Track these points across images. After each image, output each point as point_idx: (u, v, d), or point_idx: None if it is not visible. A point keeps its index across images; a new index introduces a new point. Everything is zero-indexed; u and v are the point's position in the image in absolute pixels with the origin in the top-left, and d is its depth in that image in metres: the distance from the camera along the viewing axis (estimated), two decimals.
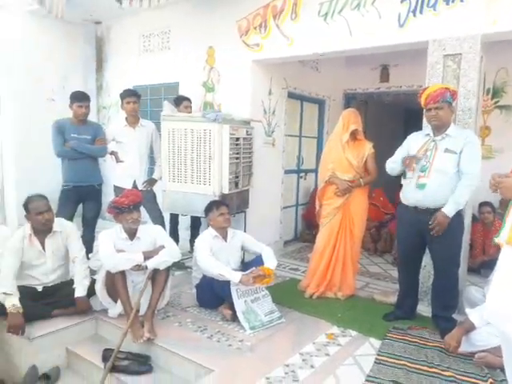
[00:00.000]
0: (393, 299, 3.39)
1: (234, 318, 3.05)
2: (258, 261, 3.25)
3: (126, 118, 4.10)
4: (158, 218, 4.16)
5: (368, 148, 3.58)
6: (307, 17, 3.81)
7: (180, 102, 4.31)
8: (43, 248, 3.06)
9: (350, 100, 6.14)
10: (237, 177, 3.97)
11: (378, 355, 2.67)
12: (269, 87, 4.67)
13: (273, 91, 4.73)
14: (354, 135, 3.56)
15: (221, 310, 3.17)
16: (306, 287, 3.71)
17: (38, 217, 2.96)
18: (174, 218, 4.57)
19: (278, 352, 2.77)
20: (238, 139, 3.89)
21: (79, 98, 3.92)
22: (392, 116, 7.74)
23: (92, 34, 5.66)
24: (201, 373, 2.58)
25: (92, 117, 5.39)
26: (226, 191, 3.81)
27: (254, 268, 3.10)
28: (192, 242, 4.74)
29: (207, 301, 3.28)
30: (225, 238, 3.33)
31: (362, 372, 2.50)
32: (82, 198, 4.00)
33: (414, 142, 2.97)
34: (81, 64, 5.54)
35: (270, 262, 3.20)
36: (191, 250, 4.72)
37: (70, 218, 3.66)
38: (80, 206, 4.05)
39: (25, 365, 2.87)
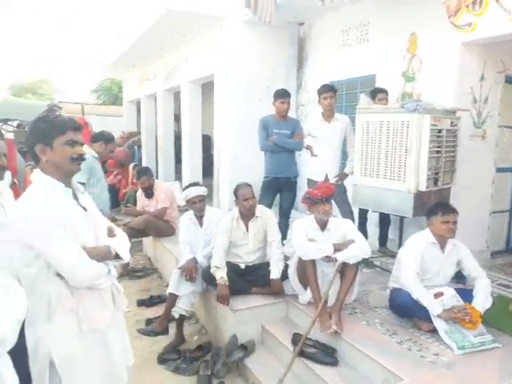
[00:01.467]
0: None
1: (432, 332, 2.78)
2: (467, 294, 2.84)
3: (322, 113, 4.20)
4: (347, 213, 4.14)
5: None
6: None
7: (375, 94, 4.18)
8: (247, 230, 3.43)
9: None
10: (437, 173, 3.59)
11: None
12: (481, 72, 4.06)
13: (485, 76, 4.09)
14: None
15: (416, 322, 2.93)
16: None
17: (244, 202, 3.32)
18: (363, 214, 4.47)
19: (480, 377, 2.39)
20: (440, 131, 3.51)
21: (282, 94, 4.23)
22: None
23: (295, 35, 6.01)
24: (389, 378, 2.44)
25: (291, 114, 5.76)
26: (422, 188, 3.49)
27: (458, 301, 2.74)
28: (381, 239, 4.58)
29: (402, 310, 3.02)
30: (443, 247, 2.98)
31: None
32: (280, 189, 4.30)
33: None
34: (284, 65, 5.97)
35: (481, 301, 2.74)
36: (380, 249, 4.56)
37: (269, 207, 3.97)
38: (277, 197, 4.37)
39: (228, 332, 3.28)
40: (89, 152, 3.99)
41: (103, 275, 1.71)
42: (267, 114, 4.37)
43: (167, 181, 8.49)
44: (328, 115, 4.16)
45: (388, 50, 4.53)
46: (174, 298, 3.41)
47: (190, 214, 3.72)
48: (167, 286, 4.12)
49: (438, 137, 3.50)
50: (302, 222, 3.21)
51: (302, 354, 2.79)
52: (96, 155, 3.98)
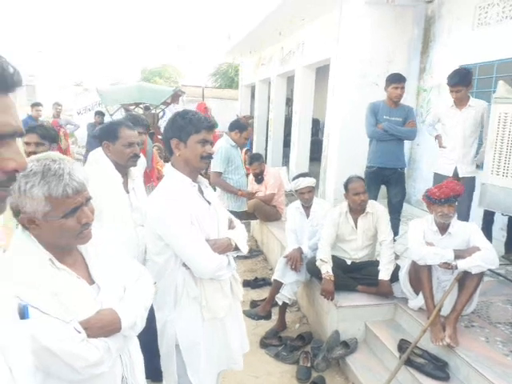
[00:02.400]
0: None
1: None
2: None
3: (454, 100, 3.76)
4: (463, 214, 3.72)
5: None
6: None
7: None
8: (356, 226, 3.30)
9: None
10: None
11: None
12: None
13: None
14: None
15: None
16: None
17: (355, 197, 3.18)
18: (489, 216, 3.98)
19: None
20: None
21: (396, 79, 3.91)
22: None
23: (421, 14, 5.46)
24: None
25: (411, 100, 5.33)
26: None
27: None
28: (508, 245, 4.05)
29: None
30: None
31: None
32: (385, 181, 4.03)
33: None
34: (406, 47, 5.48)
35: None
36: (506, 255, 4.03)
37: (374, 200, 3.75)
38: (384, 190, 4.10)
39: (330, 327, 3.24)
40: (226, 141, 4.25)
41: (224, 267, 1.79)
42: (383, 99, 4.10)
43: (275, 165, 8.65)
44: (459, 103, 3.70)
45: None
46: (278, 284, 3.47)
47: (298, 203, 3.71)
48: (271, 269, 4.21)
49: None
50: (420, 222, 2.96)
51: (408, 362, 2.63)
52: (233, 143, 4.22)
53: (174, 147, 1.79)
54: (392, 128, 3.87)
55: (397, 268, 3.19)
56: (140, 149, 2.42)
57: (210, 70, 22.97)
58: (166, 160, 6.16)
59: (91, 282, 1.26)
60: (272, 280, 3.62)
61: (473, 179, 3.77)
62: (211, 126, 1.81)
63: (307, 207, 3.65)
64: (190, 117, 1.76)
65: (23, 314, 0.79)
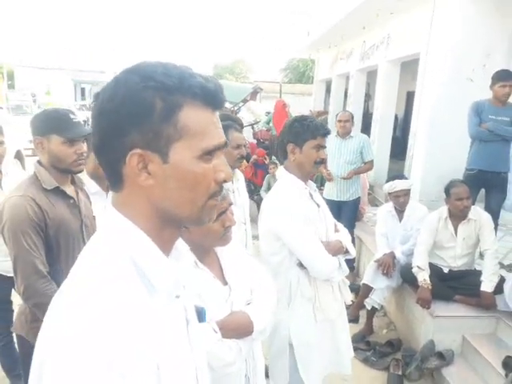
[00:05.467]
0: None
1: None
2: None
3: None
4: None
5: None
6: None
7: None
8: (455, 233, 3.12)
9: None
10: None
11: None
12: None
13: None
14: None
15: None
16: None
17: (458, 202, 3.01)
18: None
19: None
20: None
21: (504, 77, 3.61)
22: None
23: None
24: None
25: None
26: None
27: None
28: None
29: None
30: None
31: None
32: (485, 185, 3.77)
33: None
34: (506, 38, 5.02)
35: None
36: None
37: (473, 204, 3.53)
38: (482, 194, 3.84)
39: (423, 336, 3.12)
40: None
41: (337, 269, 1.81)
42: (477, 96, 3.83)
43: None
44: None
45: None
46: (368, 289, 3.40)
47: (389, 205, 3.59)
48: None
49: None
50: None
51: None
52: None
53: (289, 151, 1.85)
54: (499, 128, 3.60)
55: (501, 279, 2.98)
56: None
57: (280, 65, 23.02)
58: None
59: (224, 282, 1.32)
60: (361, 284, 3.55)
61: None
62: (327, 132, 1.86)
63: (401, 211, 3.52)
64: (308, 123, 1.82)
65: (201, 316, 0.84)
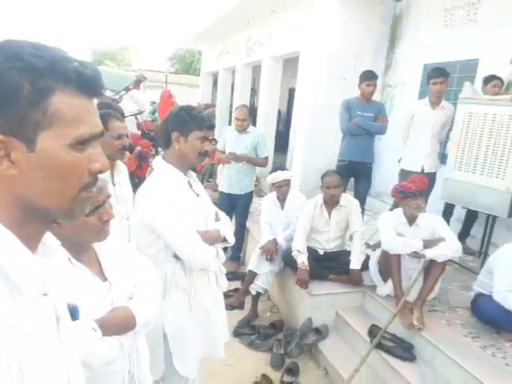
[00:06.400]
0: None
1: None
2: None
3: (429, 98, 3.95)
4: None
5: None
6: None
7: (490, 80, 3.83)
8: (329, 218, 3.42)
9: None
10: None
11: None
12: None
13: None
14: None
15: (501, 333, 2.78)
16: None
17: (326, 190, 3.31)
18: (449, 208, 4.25)
19: None
20: None
21: (369, 76, 4.07)
22: None
23: (390, 11, 5.62)
24: (469, 382, 2.39)
25: (376, 95, 5.49)
26: None
27: None
28: (461, 235, 4.33)
29: (488, 320, 2.85)
30: None
31: None
32: (355, 174, 4.21)
33: None
34: (373, 43, 5.64)
35: None
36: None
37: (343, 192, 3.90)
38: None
39: (302, 314, 3.36)
40: None
41: (213, 258, 1.82)
42: (350, 94, 4.26)
43: None
44: (434, 101, 3.90)
45: (497, 34, 4.11)
46: (253, 275, 3.53)
47: (273, 195, 3.77)
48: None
49: None
50: (390, 214, 3.14)
51: (378, 346, 2.78)
52: None
53: (174, 139, 1.81)
54: (365, 123, 4.03)
55: (367, 257, 3.34)
56: None
57: (167, 54, 22.42)
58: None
59: (104, 279, 1.25)
60: (247, 271, 3.67)
61: (435, 174, 4.02)
62: (212, 125, 1.89)
63: (282, 199, 3.72)
64: (195, 114, 1.82)
65: (74, 314, 0.77)
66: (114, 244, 1.33)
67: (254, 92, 10.07)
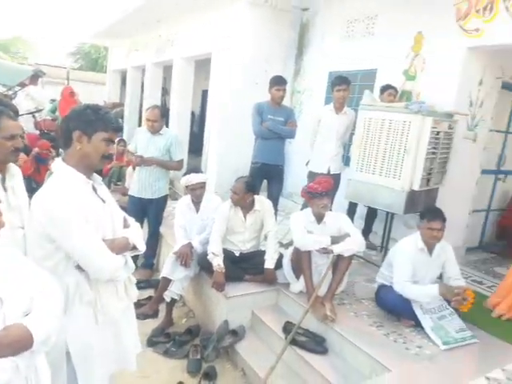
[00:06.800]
0: None
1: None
2: None
3: (334, 103, 4.19)
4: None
5: None
6: None
7: (386, 89, 4.20)
8: (245, 219, 3.45)
9: None
10: (429, 173, 3.70)
11: None
12: (480, 76, 4.15)
13: (484, 81, 4.18)
14: None
15: (401, 320, 3.05)
16: (494, 306, 3.30)
17: (232, 195, 3.38)
18: (353, 207, 4.57)
19: (459, 369, 2.58)
20: (438, 133, 3.59)
21: (278, 81, 4.20)
22: None
23: (298, 20, 5.87)
24: (376, 369, 2.57)
25: (285, 100, 5.71)
26: (416, 187, 3.59)
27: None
28: (364, 232, 4.69)
29: (390, 309, 3.12)
30: (431, 250, 3.04)
31: None
32: (268, 176, 4.32)
33: None
34: (283, 50, 5.84)
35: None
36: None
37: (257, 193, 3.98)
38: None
39: (219, 317, 3.33)
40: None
41: (122, 267, 1.71)
42: (262, 97, 4.35)
43: None
44: (338, 107, 4.16)
45: (392, 47, 4.53)
46: (167, 282, 3.41)
47: (187, 198, 3.69)
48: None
49: (436, 139, 3.58)
50: (300, 214, 3.27)
51: (293, 341, 2.87)
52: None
53: (75, 139, 1.66)
54: (276, 127, 4.14)
55: (280, 256, 3.44)
56: None
57: (69, 48, 20.83)
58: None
59: None
60: (160, 278, 3.54)
61: (339, 175, 4.29)
62: (119, 127, 1.79)
63: (197, 202, 3.66)
64: (103, 114, 1.70)
65: None
66: (6, 256, 1.18)
67: (165, 91, 9.81)
